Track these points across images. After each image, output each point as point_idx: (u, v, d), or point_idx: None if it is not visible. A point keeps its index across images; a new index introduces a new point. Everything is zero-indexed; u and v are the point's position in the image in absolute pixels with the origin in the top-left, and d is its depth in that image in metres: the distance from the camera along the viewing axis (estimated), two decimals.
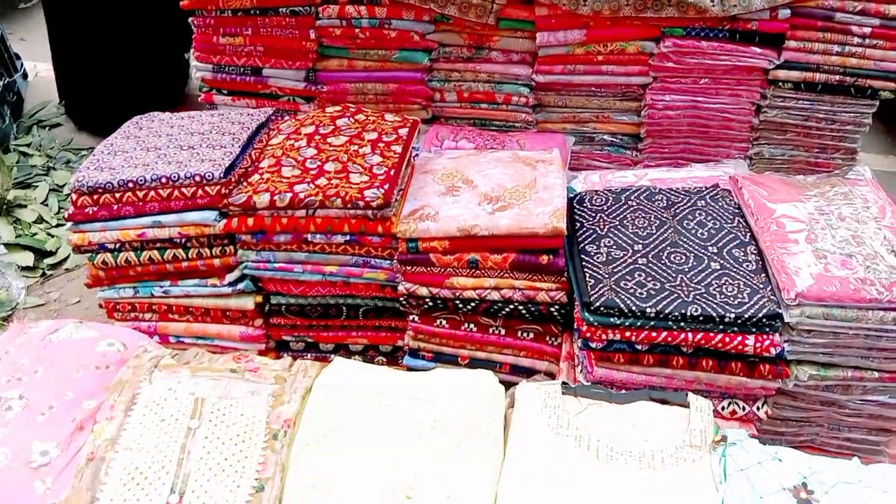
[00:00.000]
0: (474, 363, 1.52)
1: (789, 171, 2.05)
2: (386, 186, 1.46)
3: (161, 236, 1.49)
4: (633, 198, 1.56)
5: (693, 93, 1.98)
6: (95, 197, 1.48)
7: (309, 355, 1.64)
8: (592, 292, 1.32)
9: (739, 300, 1.29)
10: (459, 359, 1.54)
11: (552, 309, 1.44)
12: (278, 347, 1.65)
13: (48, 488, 1.06)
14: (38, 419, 1.13)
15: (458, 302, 1.46)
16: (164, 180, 1.45)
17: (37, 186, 2.61)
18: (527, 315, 1.46)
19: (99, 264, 1.52)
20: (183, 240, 1.49)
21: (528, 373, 1.51)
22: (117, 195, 1.47)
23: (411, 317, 1.52)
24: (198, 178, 1.45)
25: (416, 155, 1.74)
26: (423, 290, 1.47)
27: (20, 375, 1.20)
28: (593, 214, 1.53)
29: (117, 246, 1.51)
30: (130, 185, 1.46)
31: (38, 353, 1.23)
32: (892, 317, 1.28)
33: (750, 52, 1.89)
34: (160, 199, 1.46)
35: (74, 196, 1.49)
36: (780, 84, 1.92)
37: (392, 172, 1.52)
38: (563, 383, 1.22)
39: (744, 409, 1.36)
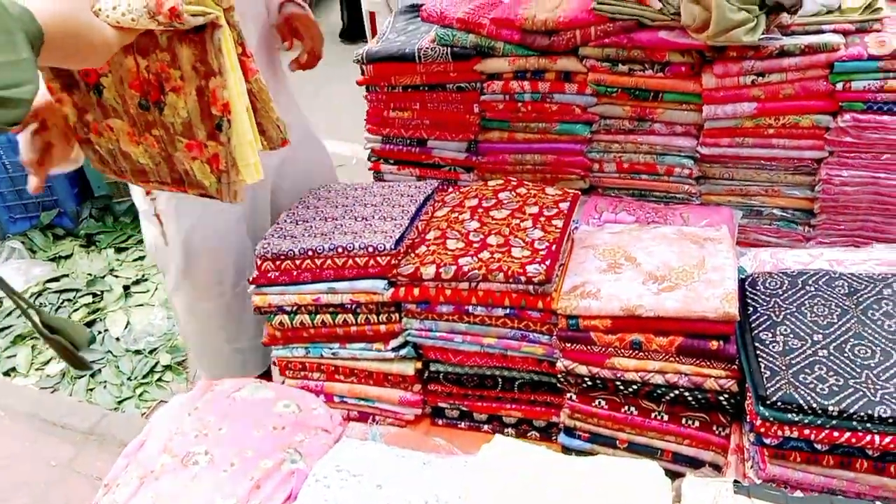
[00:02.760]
0: (633, 447, 1.48)
1: None
2: (548, 262, 1.48)
3: (334, 302, 1.58)
4: (810, 282, 1.47)
5: (874, 168, 1.85)
6: (277, 263, 1.60)
7: (463, 423, 1.66)
8: (769, 385, 1.25)
9: None
10: (618, 441, 1.50)
11: (721, 398, 1.38)
12: (434, 414, 1.68)
13: None
14: (221, 475, 1.22)
15: (618, 383, 1.43)
16: (340, 250, 1.55)
17: None
18: (692, 402, 1.40)
19: (276, 325, 1.64)
20: (354, 306, 1.57)
21: (692, 462, 1.45)
22: (297, 262, 1.59)
23: (569, 395, 1.51)
24: (371, 249, 1.54)
25: (576, 228, 1.75)
26: (583, 369, 1.45)
27: (206, 431, 1.30)
28: (767, 299, 1.46)
29: (294, 309, 1.61)
30: (310, 253, 1.57)
31: (223, 410, 1.34)
32: None
33: None
34: (336, 268, 1.56)
35: (259, 261, 1.62)
36: None
37: (553, 248, 1.53)
38: (735, 481, 1.16)
39: None
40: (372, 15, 4.36)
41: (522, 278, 1.46)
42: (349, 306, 1.57)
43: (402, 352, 1.60)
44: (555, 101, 2.04)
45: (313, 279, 1.58)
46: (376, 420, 1.69)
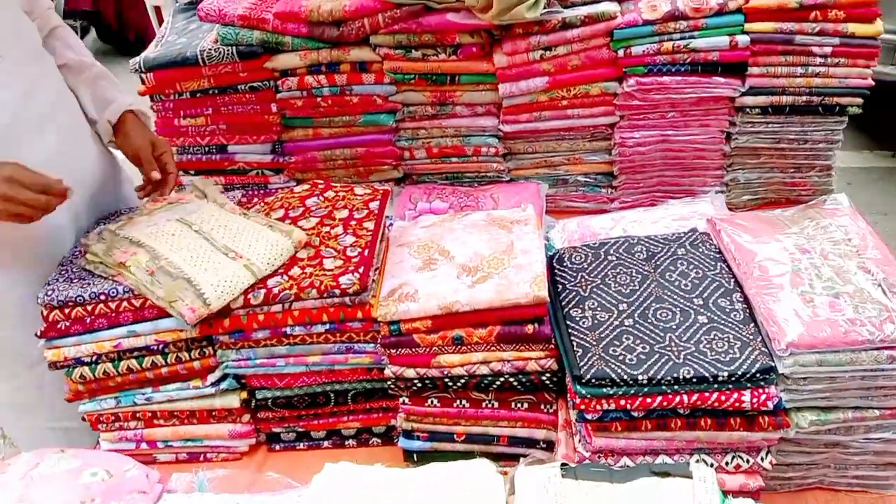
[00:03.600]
0: (471, 438, 1.49)
1: (766, 193, 2.04)
2: (361, 270, 1.44)
3: (138, 345, 1.45)
4: (612, 252, 1.54)
5: (662, 127, 1.97)
6: (67, 311, 1.45)
7: (302, 444, 1.60)
8: (582, 364, 1.29)
9: (731, 356, 1.27)
10: (455, 435, 1.50)
11: (543, 377, 1.41)
12: (270, 440, 1.61)
13: None
14: None
15: (447, 380, 1.43)
16: (134, 291, 1.42)
17: None
18: (518, 386, 1.43)
19: (77, 379, 1.49)
20: (160, 346, 1.45)
21: (527, 443, 1.48)
22: (89, 308, 1.44)
23: (401, 399, 1.49)
24: None
25: (390, 225, 1.72)
26: (411, 372, 1.43)
27: None
28: (575, 274, 1.50)
29: (93, 359, 1.47)
30: (102, 297, 1.43)
31: (19, 494, 1.19)
32: (887, 355, 1.26)
33: (714, 83, 1.87)
34: (133, 309, 1.43)
35: (45, 311, 1.46)
36: (748, 110, 1.91)
37: (366, 253, 1.49)
38: (563, 464, 1.19)
39: (748, 461, 1.33)
40: (157, 10, 4.05)
41: (337, 291, 1.41)
42: (155, 347, 1.45)
43: (223, 385, 1.51)
44: (354, 93, 1.98)
45: (110, 324, 1.44)
46: (208, 457, 1.59)
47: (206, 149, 2.08)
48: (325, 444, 1.60)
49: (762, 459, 1.34)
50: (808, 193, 2.02)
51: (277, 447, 1.61)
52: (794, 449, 1.38)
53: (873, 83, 1.86)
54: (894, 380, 1.29)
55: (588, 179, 2.09)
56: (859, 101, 1.89)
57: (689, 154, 2.00)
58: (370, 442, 1.60)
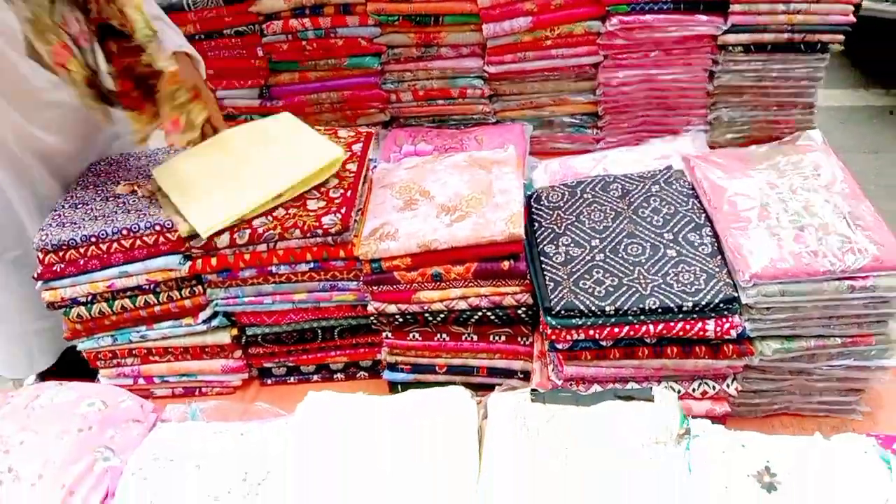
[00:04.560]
0: (452, 370, 1.56)
1: (750, 131, 2.06)
2: (343, 210, 1.48)
3: (130, 285, 1.51)
4: (588, 190, 1.57)
5: (645, 66, 1.98)
6: (61, 254, 1.50)
7: (292, 378, 1.68)
8: (552, 296, 1.34)
9: (696, 287, 1.32)
10: (437, 367, 1.57)
11: (519, 311, 1.47)
12: (262, 375, 1.68)
13: None
14: (29, 490, 1.17)
15: (427, 315, 1.49)
16: (125, 232, 1.47)
17: None
18: (495, 320, 1.48)
19: (74, 318, 1.55)
20: (152, 285, 1.51)
21: (505, 373, 1.55)
22: (82, 250, 1.49)
23: (385, 333, 1.55)
24: (158, 227, 1.47)
25: (374, 167, 1.75)
26: (392, 308, 1.49)
27: (7, 448, 1.23)
28: (551, 212, 1.55)
29: (89, 298, 1.53)
30: (93, 239, 1.48)
31: (22, 423, 1.27)
32: (847, 285, 1.31)
33: (696, 21, 1.88)
34: (124, 250, 1.49)
35: (41, 255, 1.51)
36: (731, 48, 1.92)
37: (349, 194, 1.53)
38: (533, 390, 1.25)
39: (714, 388, 1.40)
40: None
41: (319, 231, 1.46)
42: (147, 287, 1.51)
43: (214, 322, 1.57)
44: (339, 36, 2.00)
45: (103, 265, 1.49)
46: (203, 392, 1.67)
47: None
48: (315, 377, 1.68)
49: (728, 386, 1.40)
50: (792, 131, 2.04)
51: (269, 381, 1.68)
52: (760, 376, 1.44)
53: (854, 20, 1.86)
54: (855, 309, 1.34)
55: (573, 120, 2.11)
56: (841, 38, 1.89)
57: (673, 93, 2.02)
58: (357, 375, 1.67)
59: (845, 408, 1.49)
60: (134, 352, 1.62)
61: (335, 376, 1.67)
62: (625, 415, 1.18)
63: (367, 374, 1.67)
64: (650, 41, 1.94)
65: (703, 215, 1.47)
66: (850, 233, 1.35)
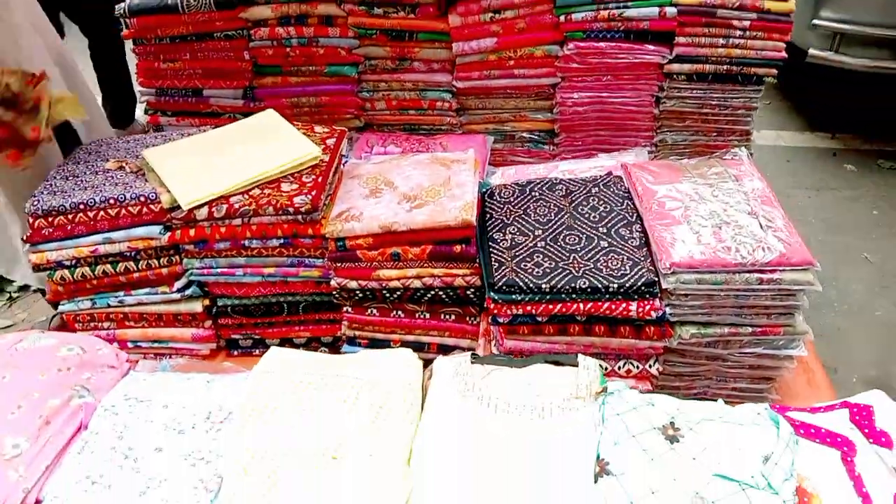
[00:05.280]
0: (406, 346, 1.69)
1: (691, 154, 2.24)
2: (313, 193, 1.63)
3: (112, 251, 1.64)
4: (536, 189, 1.74)
5: (598, 89, 2.17)
6: (50, 219, 1.63)
7: (257, 351, 1.81)
8: (496, 274, 1.50)
9: (622, 272, 1.48)
10: (392, 343, 1.71)
11: (468, 292, 1.62)
12: (228, 345, 1.81)
13: (20, 476, 1.22)
14: (9, 417, 1.29)
15: (385, 292, 1.64)
16: (112, 201, 1.61)
17: None
18: (447, 299, 1.64)
19: (58, 280, 1.67)
20: (133, 253, 1.65)
21: (454, 350, 1.69)
22: (70, 216, 1.63)
23: (345, 308, 1.69)
24: (142, 199, 1.61)
25: (346, 162, 1.91)
26: (353, 284, 1.64)
27: None
28: (502, 206, 1.71)
29: (73, 262, 1.66)
30: (81, 206, 1.62)
31: (5, 361, 1.39)
32: (756, 278, 1.48)
33: (644, 50, 2.08)
34: (109, 218, 1.62)
35: (31, 220, 1.64)
36: (675, 76, 2.12)
37: (320, 180, 1.68)
38: (473, 354, 1.40)
39: (638, 367, 1.55)
40: None
41: (291, 209, 1.61)
42: (128, 254, 1.64)
43: (188, 291, 1.70)
44: (321, 45, 2.17)
45: (88, 231, 1.62)
46: (173, 358, 1.78)
47: (183, 91, 2.26)
48: None
49: (650, 366, 1.56)
50: None
51: (236, 353, 1.81)
52: (680, 360, 1.60)
53: (786, 56, 2.07)
54: (764, 300, 1.51)
55: (532, 136, 2.29)
56: (774, 72, 2.10)
57: (622, 115, 2.21)
58: (318, 350, 1.80)
59: (757, 395, 1.66)
60: (111, 316, 1.74)
61: (298, 350, 1.80)
62: (551, 375, 1.34)
63: (327, 350, 1.81)
64: (603, 66, 2.13)
65: (635, 214, 1.64)
66: (762, 234, 1.53)
